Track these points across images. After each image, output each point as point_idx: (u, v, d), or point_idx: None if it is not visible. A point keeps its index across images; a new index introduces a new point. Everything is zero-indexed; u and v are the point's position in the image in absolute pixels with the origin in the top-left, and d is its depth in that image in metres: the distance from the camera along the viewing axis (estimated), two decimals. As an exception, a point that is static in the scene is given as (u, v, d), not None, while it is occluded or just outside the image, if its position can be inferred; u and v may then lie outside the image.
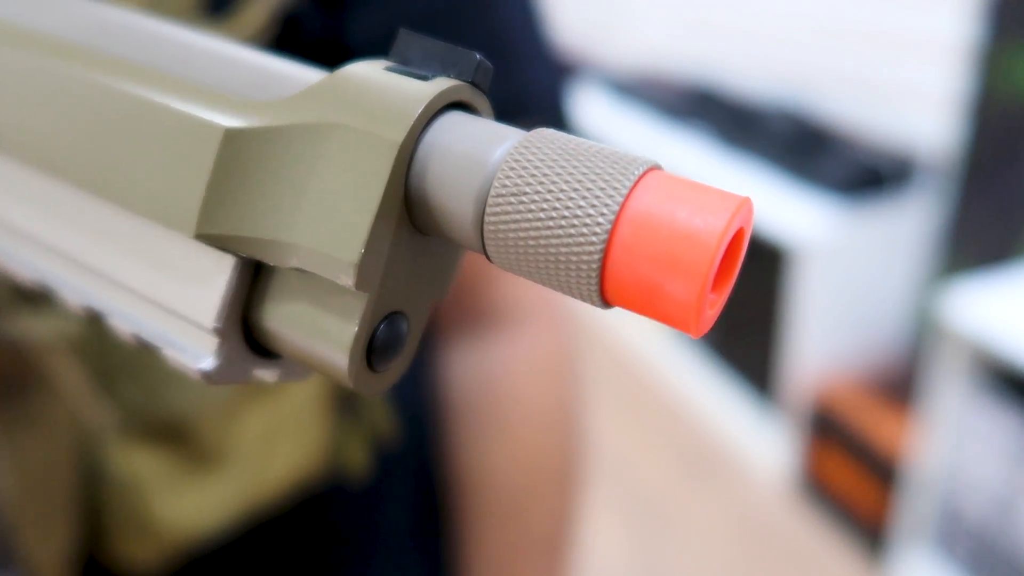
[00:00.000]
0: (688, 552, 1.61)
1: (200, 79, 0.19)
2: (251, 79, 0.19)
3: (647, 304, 0.15)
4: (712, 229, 0.14)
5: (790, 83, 1.94)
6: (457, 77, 0.17)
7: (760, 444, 1.81)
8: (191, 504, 0.39)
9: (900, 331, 1.68)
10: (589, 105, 2.41)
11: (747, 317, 1.82)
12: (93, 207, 0.20)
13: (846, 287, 1.59)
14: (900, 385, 1.60)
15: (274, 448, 0.41)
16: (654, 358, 2.17)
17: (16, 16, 0.22)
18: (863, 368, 1.66)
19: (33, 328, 0.34)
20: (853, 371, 1.65)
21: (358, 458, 0.45)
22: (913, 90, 1.63)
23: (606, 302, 0.16)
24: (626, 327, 2.31)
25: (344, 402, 0.45)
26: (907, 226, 1.59)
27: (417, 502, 0.52)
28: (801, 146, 1.74)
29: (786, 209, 1.62)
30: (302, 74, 0.19)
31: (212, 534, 0.40)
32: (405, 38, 0.18)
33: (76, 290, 0.20)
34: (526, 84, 0.42)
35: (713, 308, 0.16)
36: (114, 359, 0.37)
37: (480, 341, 0.47)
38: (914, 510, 1.37)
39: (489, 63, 0.18)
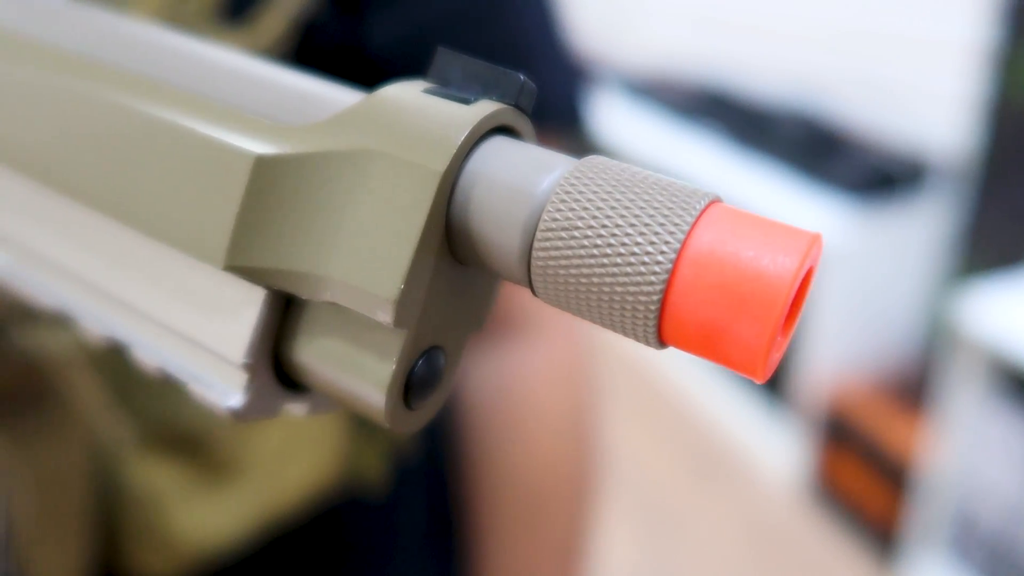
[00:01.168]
0: (699, 556, 1.61)
1: (230, 101, 0.18)
2: (282, 101, 0.18)
3: (709, 347, 0.14)
4: (784, 270, 0.13)
5: (803, 85, 1.94)
6: (500, 100, 0.17)
7: (772, 447, 1.80)
8: (208, 516, 0.39)
9: (914, 335, 1.67)
10: (601, 106, 2.40)
11: (759, 320, 1.82)
12: (118, 234, 0.19)
13: (859, 290, 1.58)
14: (913, 389, 1.59)
15: (291, 460, 0.41)
16: (665, 361, 2.17)
17: (41, 34, 0.22)
18: (876, 371, 1.65)
19: (51, 341, 0.34)
20: (866, 374, 1.64)
21: (375, 470, 0.45)
22: (927, 93, 1.62)
23: (663, 343, 0.15)
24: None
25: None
26: (921, 229, 1.59)
27: (432, 511, 0.52)
28: (814, 148, 1.73)
29: (799, 211, 1.61)
30: (336, 95, 0.18)
31: (229, 546, 0.40)
32: (444, 57, 0.17)
33: (98, 320, 0.20)
34: (545, 90, 0.42)
35: (779, 351, 0.15)
36: (132, 372, 0.37)
37: (496, 349, 0.47)
38: (927, 515, 1.36)
39: (533, 84, 0.17)
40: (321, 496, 0.43)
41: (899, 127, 1.70)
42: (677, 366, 2.11)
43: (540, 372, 0.47)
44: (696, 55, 2.35)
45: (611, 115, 2.35)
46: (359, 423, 0.44)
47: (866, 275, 1.58)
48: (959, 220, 1.52)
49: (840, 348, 1.62)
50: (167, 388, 0.38)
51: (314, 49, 0.38)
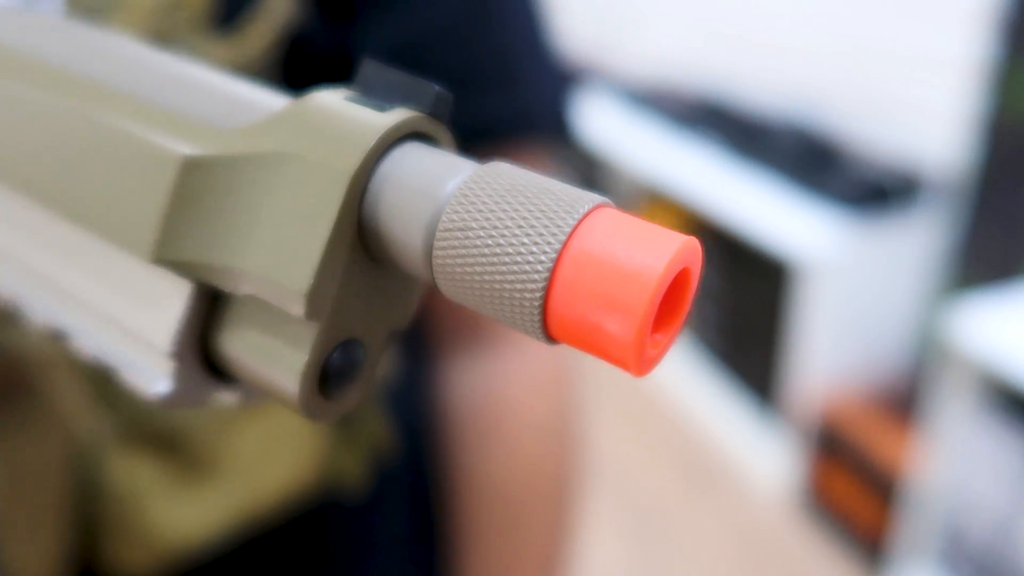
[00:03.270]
0: (689, 565, 1.61)
1: (166, 104, 0.19)
2: (218, 105, 0.19)
3: (589, 342, 0.15)
4: (652, 269, 0.14)
5: (800, 97, 1.94)
6: (416, 108, 0.17)
7: (763, 458, 1.80)
8: (186, 514, 0.39)
9: (905, 348, 1.67)
10: (599, 114, 2.41)
11: (752, 330, 1.82)
12: (60, 228, 0.20)
13: (852, 303, 1.59)
14: (904, 402, 1.59)
15: (270, 460, 0.41)
16: (658, 370, 2.17)
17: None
18: (867, 384, 1.65)
19: (31, 339, 0.34)
20: (857, 387, 1.64)
21: (355, 472, 0.45)
22: (923, 107, 1.63)
23: (550, 338, 0.16)
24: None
25: (342, 416, 0.44)
26: (914, 243, 1.59)
27: (413, 516, 0.52)
28: (809, 160, 1.74)
29: (793, 223, 1.61)
30: (267, 100, 0.19)
31: (207, 544, 0.40)
32: (368, 68, 0.18)
33: (41, 309, 0.21)
34: (531, 101, 0.42)
35: (656, 348, 0.16)
36: None
37: (479, 356, 0.47)
38: (916, 528, 1.36)
39: (449, 93, 0.18)
40: (300, 497, 0.43)
41: (895, 141, 1.70)
42: (670, 376, 2.11)
43: (523, 380, 0.47)
44: (694, 66, 2.36)
45: (608, 124, 2.36)
46: (339, 425, 0.45)
47: (858, 288, 1.58)
48: (952, 235, 1.52)
49: (832, 360, 1.62)
50: None
51: (303, 58, 0.38)
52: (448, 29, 0.40)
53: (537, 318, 0.15)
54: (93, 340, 0.20)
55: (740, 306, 1.85)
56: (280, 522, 0.43)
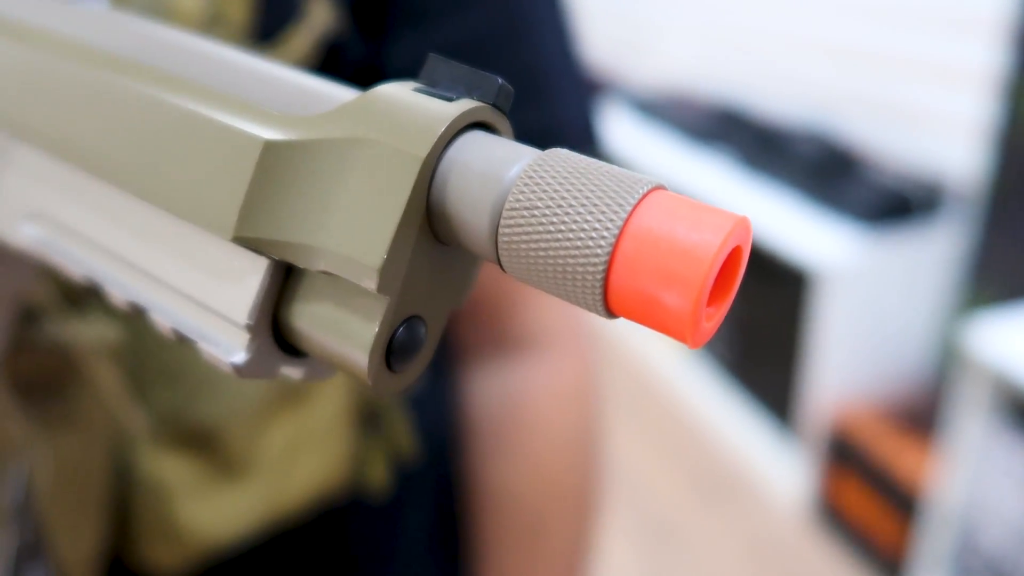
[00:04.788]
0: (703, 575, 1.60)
1: (245, 95, 0.20)
2: (291, 96, 0.20)
3: (647, 315, 0.16)
4: (708, 245, 0.15)
5: (817, 106, 1.94)
6: (480, 99, 0.19)
7: (777, 469, 1.80)
8: (215, 511, 0.40)
9: (922, 360, 1.67)
10: (614, 124, 2.42)
11: (768, 341, 1.82)
12: (141, 210, 0.21)
13: (869, 314, 1.58)
14: (921, 415, 1.59)
15: (297, 460, 0.42)
16: (673, 379, 2.16)
17: (76, 31, 0.24)
18: (884, 396, 1.64)
19: (76, 332, 0.35)
20: (873, 399, 1.64)
21: (379, 474, 0.46)
22: (942, 117, 1.63)
23: (610, 312, 0.17)
24: (645, 347, 2.30)
25: (367, 418, 0.45)
26: (932, 255, 1.59)
27: (435, 519, 0.52)
28: (827, 170, 1.74)
29: (810, 233, 1.61)
30: (338, 93, 0.20)
31: (234, 541, 0.41)
32: (433, 62, 0.19)
33: (122, 286, 0.22)
34: (561, 115, 0.43)
35: (710, 320, 0.16)
36: (150, 366, 0.38)
37: (504, 364, 0.47)
38: (932, 542, 1.36)
39: (510, 86, 0.19)
40: (325, 497, 0.44)
41: (914, 151, 1.70)
42: (685, 385, 2.11)
43: (546, 389, 0.48)
44: (712, 75, 2.36)
45: (625, 134, 2.36)
46: (365, 427, 0.45)
47: (876, 299, 1.58)
48: (971, 247, 1.52)
49: (848, 372, 1.62)
50: (183, 384, 0.39)
51: (336, 70, 0.39)
52: (479, 44, 0.41)
53: (599, 292, 0.16)
54: (171, 314, 0.21)
55: (756, 317, 1.84)
56: (305, 520, 0.44)
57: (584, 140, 0.44)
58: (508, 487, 0.48)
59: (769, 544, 1.67)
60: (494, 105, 0.19)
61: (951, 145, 1.60)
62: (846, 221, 1.59)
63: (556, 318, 0.47)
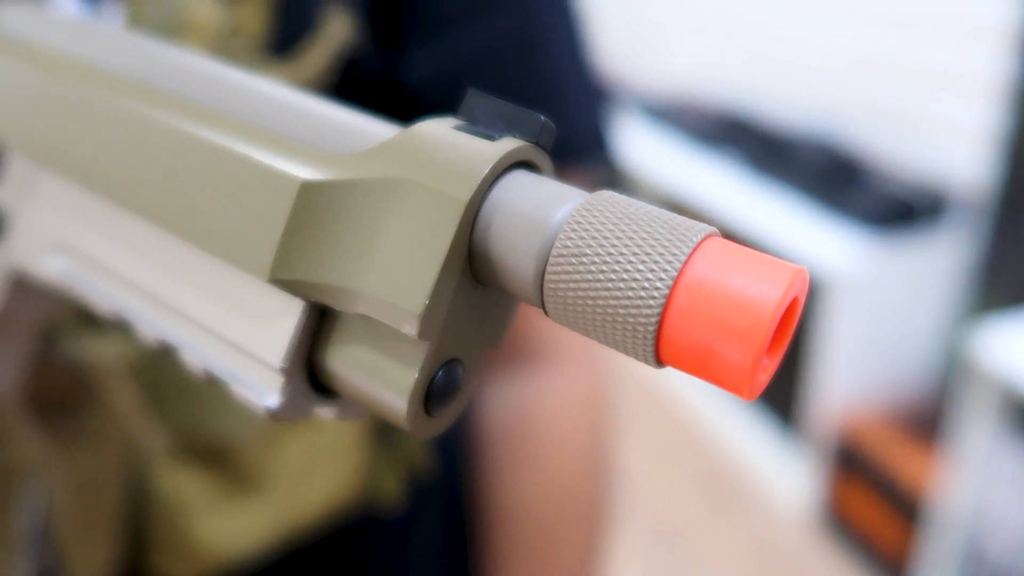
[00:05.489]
0: (707, 581, 1.60)
1: (280, 130, 0.20)
2: (327, 132, 0.20)
3: (701, 367, 0.16)
4: (768, 299, 0.15)
5: (824, 113, 1.94)
6: (522, 137, 0.18)
7: (783, 475, 1.80)
8: (230, 527, 0.40)
9: (928, 367, 1.67)
10: (621, 129, 2.42)
11: (773, 346, 1.81)
12: (174, 247, 0.21)
13: (875, 321, 1.58)
14: (927, 422, 1.59)
15: (312, 476, 0.42)
16: (678, 386, 2.16)
17: (104, 57, 0.24)
18: (890, 403, 1.64)
19: (93, 349, 0.36)
20: (879, 405, 1.64)
21: (392, 488, 0.46)
22: (948, 124, 1.63)
23: (660, 362, 0.16)
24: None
25: (380, 433, 0.45)
26: (938, 262, 1.59)
27: (447, 532, 0.52)
28: (833, 177, 1.74)
29: (816, 239, 1.61)
30: (375, 129, 0.20)
31: (249, 557, 0.41)
32: (473, 98, 0.19)
33: (151, 324, 0.21)
34: (575, 128, 0.43)
35: (766, 373, 0.16)
36: (166, 383, 0.38)
37: (516, 376, 0.47)
38: (938, 548, 1.36)
39: (553, 124, 0.18)
40: (339, 512, 0.44)
41: (919, 158, 1.70)
42: (691, 392, 2.11)
43: (558, 399, 0.47)
44: (717, 80, 2.36)
45: (630, 140, 2.37)
46: (378, 442, 0.45)
47: (882, 306, 1.58)
48: (977, 254, 1.52)
49: (854, 378, 1.62)
50: (199, 400, 0.39)
51: (354, 81, 0.39)
52: (494, 53, 0.41)
53: (650, 344, 0.16)
54: (203, 355, 0.20)
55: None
56: (319, 536, 0.44)
57: (595, 149, 0.44)
58: (521, 498, 0.48)
59: (775, 550, 1.67)
60: (536, 143, 0.18)
61: (957, 152, 1.60)
62: (852, 227, 1.60)
63: (567, 330, 0.47)
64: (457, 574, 0.53)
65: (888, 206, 1.57)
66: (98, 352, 0.36)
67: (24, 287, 0.26)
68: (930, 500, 1.41)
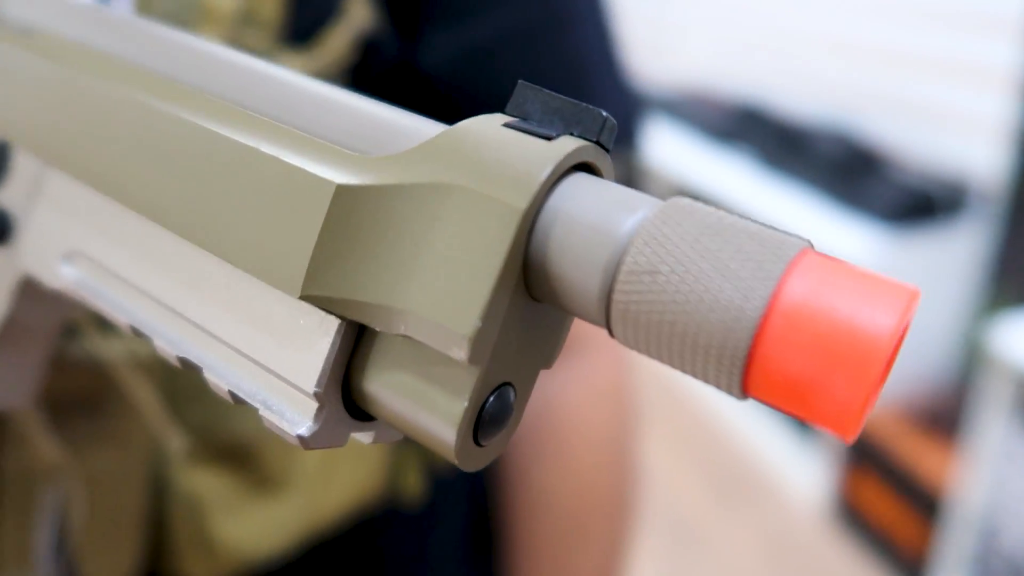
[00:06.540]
0: None
1: (311, 129, 0.18)
2: (363, 130, 0.18)
3: (797, 402, 0.14)
4: (883, 327, 0.13)
5: (839, 105, 1.93)
6: (581, 136, 0.16)
7: (797, 470, 1.79)
8: (252, 526, 0.39)
9: (946, 361, 1.66)
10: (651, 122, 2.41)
11: (788, 340, 1.81)
12: (195, 258, 0.19)
13: (891, 314, 1.57)
14: (944, 416, 1.58)
15: (334, 473, 0.41)
16: (692, 381, 2.16)
17: (118, 50, 0.22)
18: (906, 397, 1.64)
19: (111, 348, 0.35)
20: (895, 400, 1.63)
21: (414, 483, 0.45)
22: (965, 117, 1.61)
23: (746, 394, 0.14)
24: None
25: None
26: (956, 255, 1.57)
27: (470, 526, 0.52)
28: (849, 170, 1.73)
29: (832, 233, 1.61)
30: (416, 126, 0.18)
31: (271, 556, 0.40)
32: (523, 91, 0.17)
33: (172, 341, 0.19)
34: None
35: (871, 408, 0.14)
36: (184, 382, 0.37)
37: None
38: (953, 543, 1.35)
39: (615, 120, 0.16)
40: (361, 508, 0.43)
41: (937, 151, 1.69)
42: (705, 387, 2.10)
43: (582, 393, 0.47)
44: (732, 73, 2.35)
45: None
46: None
47: (898, 299, 1.57)
48: (994, 247, 1.51)
49: (870, 372, 1.61)
50: (218, 399, 0.38)
51: (371, 67, 0.38)
52: (520, 37, 0.40)
53: (738, 373, 0.14)
54: (228, 376, 0.18)
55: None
56: (341, 532, 0.43)
57: (625, 140, 0.43)
58: (546, 489, 0.47)
59: (789, 545, 1.67)
60: (597, 143, 0.16)
61: (974, 144, 1.59)
62: (868, 221, 1.59)
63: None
64: (479, 567, 0.52)
65: (905, 199, 1.57)
66: (115, 350, 0.35)
67: (35, 294, 0.24)
68: (946, 494, 1.40)
